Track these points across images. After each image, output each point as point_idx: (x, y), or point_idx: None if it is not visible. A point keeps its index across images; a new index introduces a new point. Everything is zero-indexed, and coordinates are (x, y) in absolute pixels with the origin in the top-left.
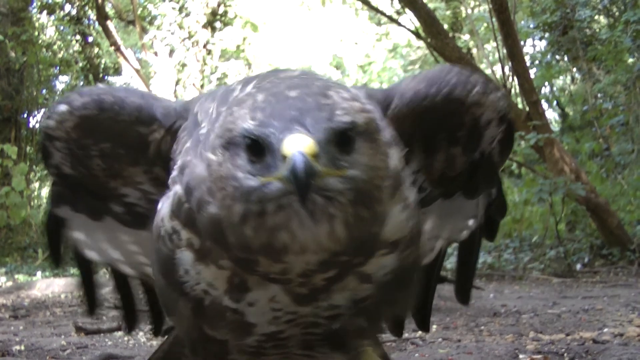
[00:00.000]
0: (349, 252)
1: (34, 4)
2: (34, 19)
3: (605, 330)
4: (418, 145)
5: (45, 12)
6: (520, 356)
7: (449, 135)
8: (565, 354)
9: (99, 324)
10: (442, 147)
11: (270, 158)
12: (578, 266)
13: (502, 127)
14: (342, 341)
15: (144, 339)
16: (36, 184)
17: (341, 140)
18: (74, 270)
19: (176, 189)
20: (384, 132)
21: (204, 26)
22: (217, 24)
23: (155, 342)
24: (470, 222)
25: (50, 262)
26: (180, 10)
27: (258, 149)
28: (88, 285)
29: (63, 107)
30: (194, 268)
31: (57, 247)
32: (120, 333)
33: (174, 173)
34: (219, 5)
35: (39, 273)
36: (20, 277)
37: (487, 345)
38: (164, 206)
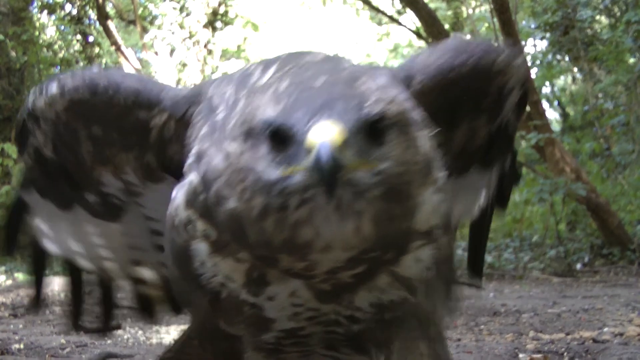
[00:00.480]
0: (379, 248)
1: (35, 4)
2: (35, 18)
3: (605, 329)
4: (439, 122)
5: (45, 11)
6: (520, 355)
7: (473, 107)
8: (565, 354)
9: (98, 322)
10: (464, 121)
11: (294, 149)
12: (578, 266)
13: (523, 89)
14: (364, 344)
15: (143, 338)
16: None
17: (371, 131)
18: None
19: (192, 177)
20: (414, 114)
21: (205, 26)
22: (218, 24)
23: (155, 341)
24: (483, 194)
25: (1, 249)
26: (181, 10)
27: (281, 139)
28: (39, 281)
29: (53, 89)
30: (210, 260)
31: (14, 233)
32: (120, 332)
33: (190, 160)
34: (219, 5)
35: None
36: (20, 276)
37: (487, 344)
38: (179, 194)
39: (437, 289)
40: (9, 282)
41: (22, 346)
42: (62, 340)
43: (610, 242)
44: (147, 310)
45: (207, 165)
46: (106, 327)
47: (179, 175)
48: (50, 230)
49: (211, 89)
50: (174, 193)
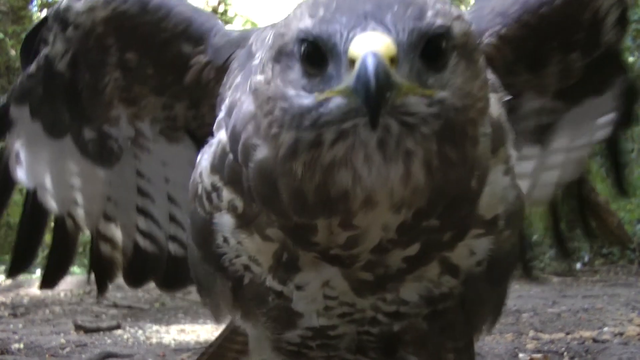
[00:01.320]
0: (438, 214)
1: (34, 3)
2: (34, 17)
3: (605, 329)
4: (524, 67)
5: (45, 10)
6: (520, 355)
7: (564, 42)
8: (565, 353)
9: (98, 322)
10: (554, 58)
11: (332, 67)
12: (578, 265)
13: (621, 7)
14: (396, 348)
15: (143, 338)
16: None
17: (431, 50)
18: (74, 269)
19: (220, 136)
20: (484, 66)
21: None
22: None
23: (155, 341)
24: (607, 118)
25: None
26: None
27: (318, 57)
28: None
29: None
30: (234, 236)
31: None
32: (119, 331)
33: (221, 114)
34: (219, 4)
35: (38, 271)
36: (20, 275)
37: (486, 344)
38: (204, 158)
39: (482, 292)
40: (9, 281)
41: (22, 346)
42: (62, 340)
43: (610, 241)
44: (101, 275)
45: (237, 114)
46: (50, 280)
47: (203, 143)
48: (28, 158)
49: (254, 35)
50: (198, 157)
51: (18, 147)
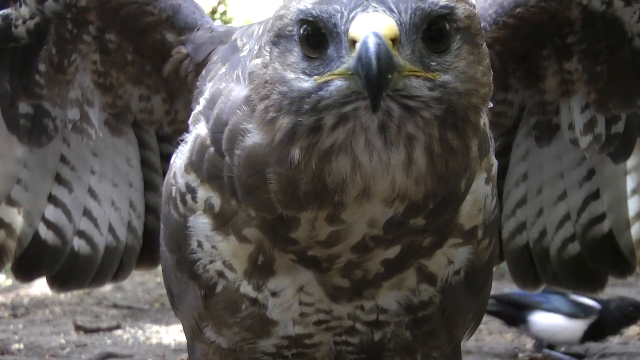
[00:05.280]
0: (426, 212)
1: None
2: None
3: None
4: (516, 80)
5: None
6: (520, 355)
7: (559, 46)
8: (564, 353)
9: (98, 322)
10: (549, 67)
11: (333, 49)
12: None
13: (632, 1)
14: (382, 358)
15: (143, 338)
16: None
17: (434, 32)
18: None
19: (198, 130)
20: (487, 52)
21: None
22: (217, 22)
23: (155, 341)
24: None
25: None
26: None
27: (318, 38)
28: None
29: None
30: (209, 240)
31: None
32: (119, 332)
33: (198, 108)
34: (218, 4)
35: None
36: None
37: (486, 344)
38: (178, 157)
39: (462, 301)
40: (9, 282)
41: (22, 346)
42: (62, 340)
43: None
44: None
45: (224, 103)
46: None
47: (171, 141)
48: None
49: (237, 32)
50: (172, 158)
51: None
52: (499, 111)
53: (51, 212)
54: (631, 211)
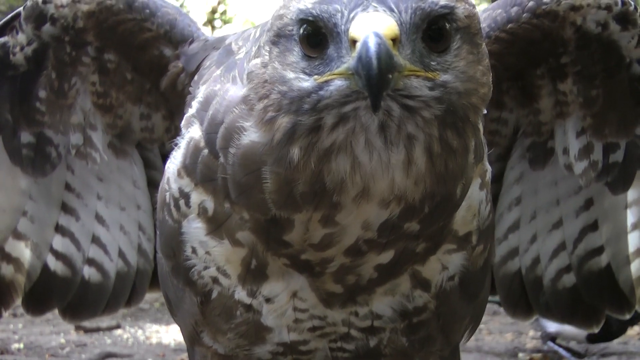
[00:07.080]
0: (422, 217)
1: None
2: None
3: None
4: (512, 99)
5: None
6: (520, 355)
7: (551, 67)
8: (565, 353)
9: (98, 322)
10: (543, 87)
11: (333, 49)
12: None
13: (629, 26)
14: None
15: (143, 338)
16: None
17: (434, 32)
18: None
19: (192, 133)
20: (486, 52)
21: (204, 24)
22: (217, 22)
23: (155, 341)
24: None
25: None
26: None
27: (318, 38)
28: None
29: None
30: (202, 246)
31: None
32: (119, 331)
33: (191, 111)
34: (218, 4)
35: None
36: None
37: (486, 344)
38: (171, 163)
39: (457, 306)
40: None
41: (21, 346)
42: (62, 340)
43: None
44: None
45: (219, 103)
46: None
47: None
48: None
49: (231, 37)
50: (166, 164)
51: None
52: (493, 129)
53: (59, 242)
54: (631, 247)
